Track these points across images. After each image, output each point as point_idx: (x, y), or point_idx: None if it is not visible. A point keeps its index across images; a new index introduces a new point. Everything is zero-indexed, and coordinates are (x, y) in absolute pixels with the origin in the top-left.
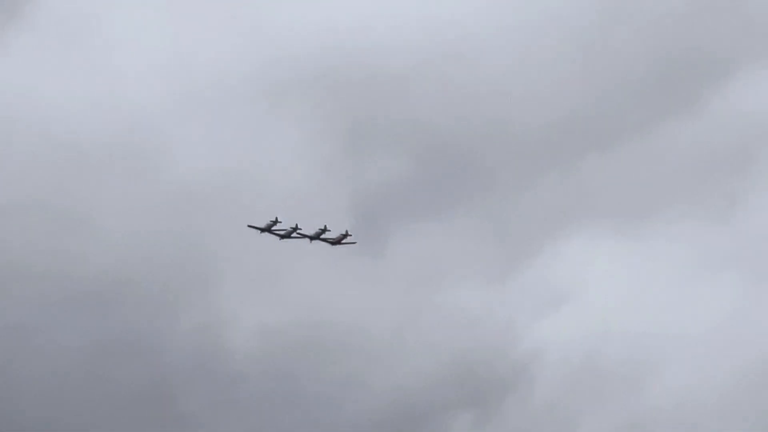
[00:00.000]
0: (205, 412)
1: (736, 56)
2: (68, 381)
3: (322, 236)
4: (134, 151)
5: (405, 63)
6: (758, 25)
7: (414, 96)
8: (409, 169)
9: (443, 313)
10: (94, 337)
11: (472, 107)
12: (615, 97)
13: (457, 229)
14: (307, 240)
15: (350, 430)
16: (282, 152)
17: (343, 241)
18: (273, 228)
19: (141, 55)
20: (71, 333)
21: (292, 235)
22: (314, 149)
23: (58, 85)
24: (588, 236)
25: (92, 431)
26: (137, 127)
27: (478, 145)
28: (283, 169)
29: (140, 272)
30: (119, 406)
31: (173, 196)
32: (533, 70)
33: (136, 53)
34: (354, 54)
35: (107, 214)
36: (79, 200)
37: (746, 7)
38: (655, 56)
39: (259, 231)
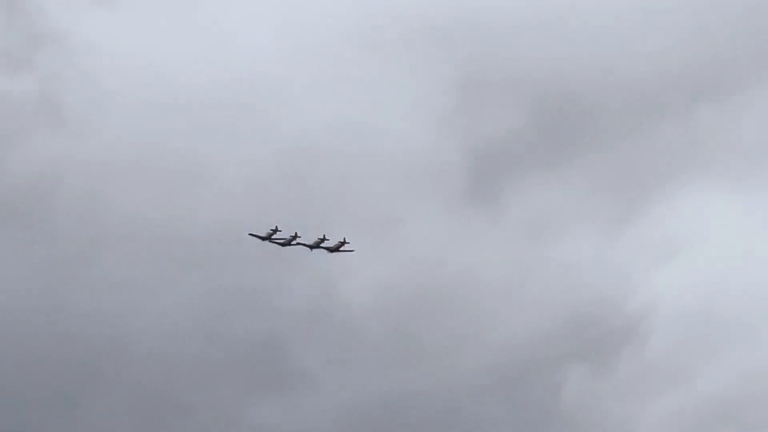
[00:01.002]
0: (320, 368)
1: None
2: (183, 337)
3: (321, 245)
4: (247, 106)
5: (518, 16)
6: None
7: (527, 49)
8: (522, 122)
9: (557, 265)
10: (208, 293)
11: (586, 59)
12: (730, 46)
13: (571, 181)
14: (306, 248)
15: (465, 384)
16: (395, 107)
17: (341, 248)
18: (273, 237)
19: (253, 11)
20: (185, 289)
21: (292, 243)
22: (428, 103)
23: (170, 42)
24: (703, 187)
25: (207, 387)
26: (250, 82)
27: (591, 96)
28: (396, 124)
29: (256, 222)
30: (234, 363)
31: (285, 152)
32: (647, 21)
33: (247, 8)
34: (466, 7)
35: (219, 170)
36: (191, 156)
37: None
38: None
39: (260, 239)
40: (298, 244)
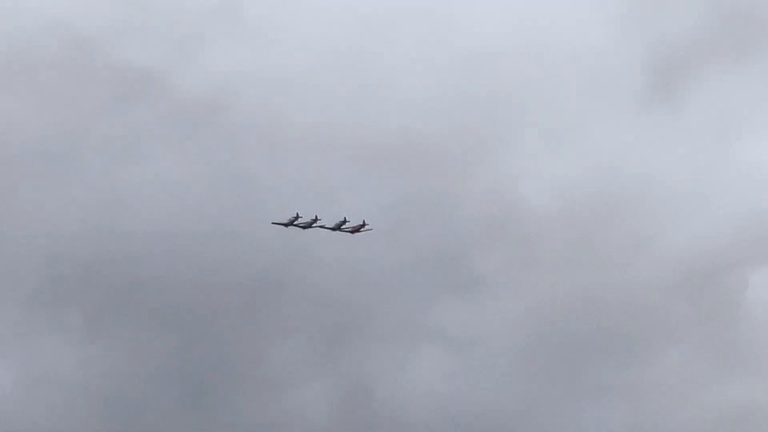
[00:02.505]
0: (500, 273)
1: None
2: (365, 243)
3: (342, 227)
4: (428, 12)
5: None
6: None
7: None
8: (702, 20)
9: (741, 165)
10: (390, 199)
11: None
12: None
13: (754, 79)
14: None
15: (646, 288)
16: (574, 9)
17: (362, 229)
18: (295, 222)
19: None
20: (368, 196)
21: (313, 225)
22: (607, 4)
23: None
24: None
25: (389, 293)
26: None
27: None
28: (575, 26)
29: (435, 131)
30: (415, 268)
31: (466, 58)
32: None
33: None
34: None
35: (401, 76)
36: (372, 63)
37: None
38: None
39: (283, 226)
40: (319, 227)
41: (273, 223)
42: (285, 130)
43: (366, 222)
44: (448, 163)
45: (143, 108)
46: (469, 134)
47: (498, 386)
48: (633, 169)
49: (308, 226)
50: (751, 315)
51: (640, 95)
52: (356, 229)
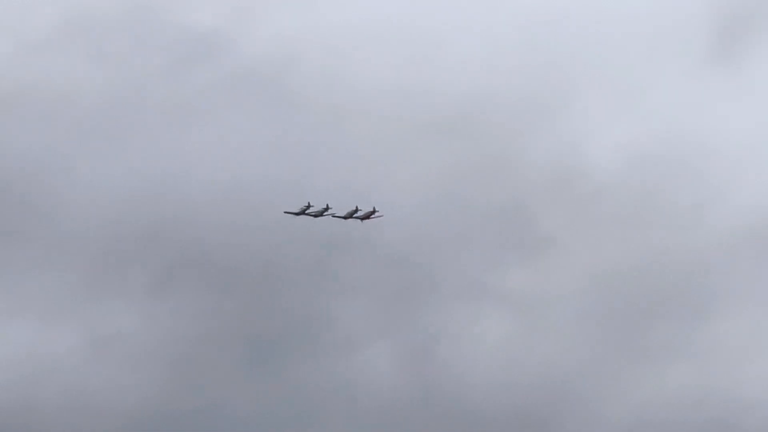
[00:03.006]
0: (565, 233)
1: None
2: (427, 206)
3: (354, 215)
4: None
5: None
6: None
7: None
8: None
9: None
10: (452, 158)
11: None
12: None
13: None
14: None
15: (707, 250)
16: None
17: (372, 216)
18: (307, 211)
19: None
20: (428, 158)
21: (324, 213)
22: None
23: None
24: None
25: (454, 255)
26: None
27: None
28: None
29: (499, 93)
30: (479, 230)
31: (528, 19)
32: None
33: None
34: None
35: (464, 39)
36: (428, 28)
37: None
38: None
39: (294, 215)
40: (330, 215)
41: (285, 212)
42: (346, 94)
43: (376, 209)
44: (511, 124)
45: (205, 71)
46: (532, 95)
47: (562, 346)
48: (697, 129)
49: (320, 214)
50: None
51: (703, 55)
52: (366, 216)
